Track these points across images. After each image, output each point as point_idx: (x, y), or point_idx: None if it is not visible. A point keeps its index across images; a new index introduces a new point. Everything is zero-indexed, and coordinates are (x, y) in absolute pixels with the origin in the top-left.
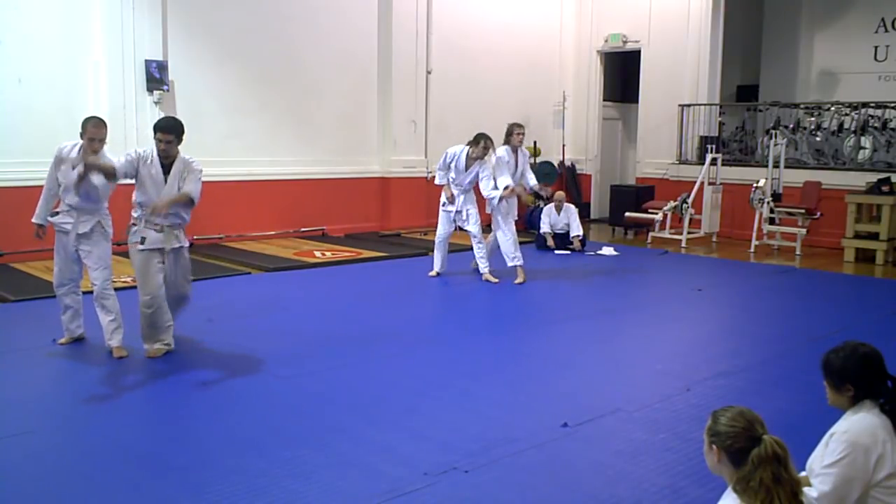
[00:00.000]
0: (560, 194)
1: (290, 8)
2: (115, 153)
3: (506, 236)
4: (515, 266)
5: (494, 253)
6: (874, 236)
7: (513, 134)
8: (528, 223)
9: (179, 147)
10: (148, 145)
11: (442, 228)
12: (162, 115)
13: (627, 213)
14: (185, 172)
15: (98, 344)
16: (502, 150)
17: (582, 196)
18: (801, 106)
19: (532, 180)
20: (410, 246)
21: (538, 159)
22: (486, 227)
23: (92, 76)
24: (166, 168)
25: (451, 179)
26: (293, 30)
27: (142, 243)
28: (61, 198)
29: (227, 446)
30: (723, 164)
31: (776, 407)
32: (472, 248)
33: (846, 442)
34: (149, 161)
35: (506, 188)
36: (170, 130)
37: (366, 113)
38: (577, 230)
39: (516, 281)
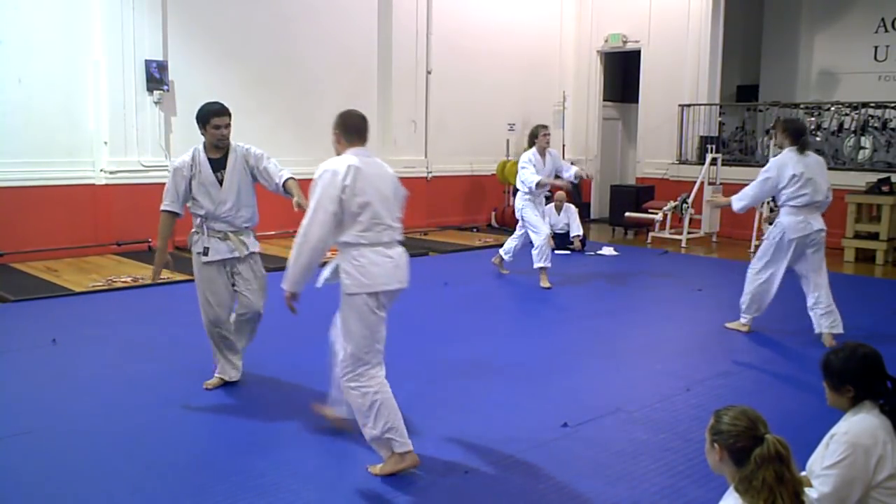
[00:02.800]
0: (560, 194)
1: (290, 8)
2: (114, 153)
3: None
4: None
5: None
6: (874, 236)
7: (538, 136)
8: None
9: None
10: (147, 145)
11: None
12: (162, 115)
13: (627, 213)
14: (250, 164)
15: (96, 343)
16: (529, 154)
17: (582, 196)
18: (801, 106)
19: (571, 171)
20: (410, 246)
21: None
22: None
23: (92, 76)
24: (217, 164)
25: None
26: (293, 30)
27: (205, 255)
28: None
29: (227, 446)
30: (723, 164)
31: (776, 407)
32: (470, 249)
33: (846, 443)
34: (196, 168)
35: (537, 185)
36: (226, 112)
37: (366, 113)
38: (577, 230)
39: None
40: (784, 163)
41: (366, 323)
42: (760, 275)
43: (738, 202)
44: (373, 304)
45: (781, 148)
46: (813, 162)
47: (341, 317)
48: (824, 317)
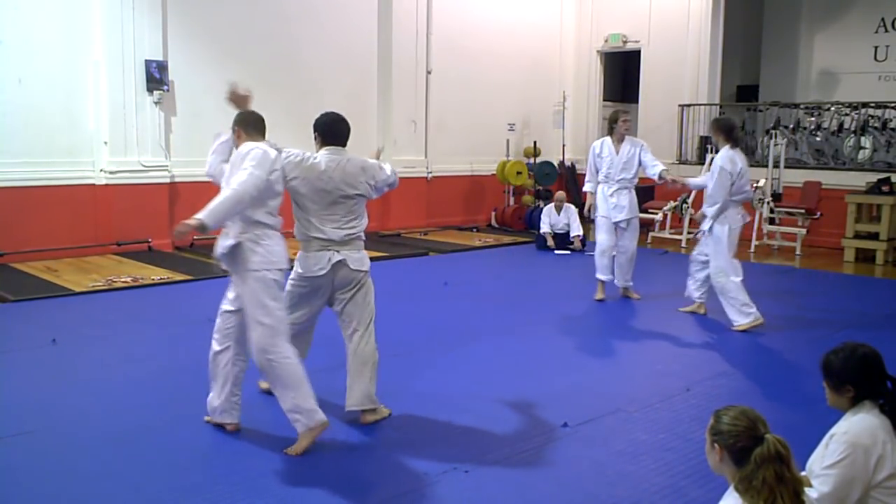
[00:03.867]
0: (560, 194)
1: (290, 8)
2: (114, 153)
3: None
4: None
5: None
6: (874, 236)
7: (618, 121)
8: (528, 223)
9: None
10: (147, 145)
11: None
12: (162, 115)
13: None
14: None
15: (96, 343)
16: (598, 143)
17: (582, 196)
18: (801, 106)
19: (657, 169)
20: (410, 246)
21: (538, 159)
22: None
23: (92, 76)
24: None
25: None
26: (293, 30)
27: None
28: None
29: (227, 446)
30: None
31: (776, 407)
32: (470, 249)
33: (846, 443)
34: None
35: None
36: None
37: (366, 113)
38: (577, 230)
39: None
40: (732, 157)
41: (278, 298)
42: (734, 271)
43: (710, 209)
44: (279, 279)
45: (719, 149)
46: (744, 159)
47: (256, 295)
48: (701, 289)
